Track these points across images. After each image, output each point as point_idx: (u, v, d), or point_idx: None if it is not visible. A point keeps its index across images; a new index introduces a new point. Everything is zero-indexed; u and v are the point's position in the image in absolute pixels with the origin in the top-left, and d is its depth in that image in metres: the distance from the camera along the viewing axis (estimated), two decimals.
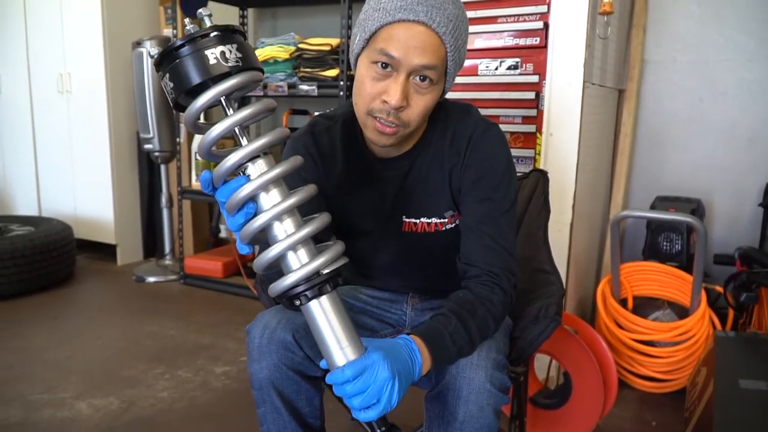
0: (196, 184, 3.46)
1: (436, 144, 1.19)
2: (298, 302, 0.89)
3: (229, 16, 3.70)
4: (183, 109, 0.87)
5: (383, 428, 0.93)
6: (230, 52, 0.82)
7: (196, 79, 0.82)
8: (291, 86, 3.09)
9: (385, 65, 1.03)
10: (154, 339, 2.71)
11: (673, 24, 2.63)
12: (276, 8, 3.77)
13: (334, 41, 2.95)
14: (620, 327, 2.30)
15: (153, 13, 3.85)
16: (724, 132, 2.59)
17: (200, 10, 0.85)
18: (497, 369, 1.07)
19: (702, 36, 2.59)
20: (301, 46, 3.06)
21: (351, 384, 0.88)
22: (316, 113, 3.10)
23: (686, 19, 2.60)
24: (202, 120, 0.91)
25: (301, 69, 3.08)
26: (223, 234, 4.08)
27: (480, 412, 1.04)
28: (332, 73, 2.98)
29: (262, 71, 0.88)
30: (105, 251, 3.99)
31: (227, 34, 0.84)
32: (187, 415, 2.06)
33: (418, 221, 1.23)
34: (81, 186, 3.92)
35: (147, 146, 3.57)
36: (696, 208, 2.44)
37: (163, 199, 3.73)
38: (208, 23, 0.85)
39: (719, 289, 2.31)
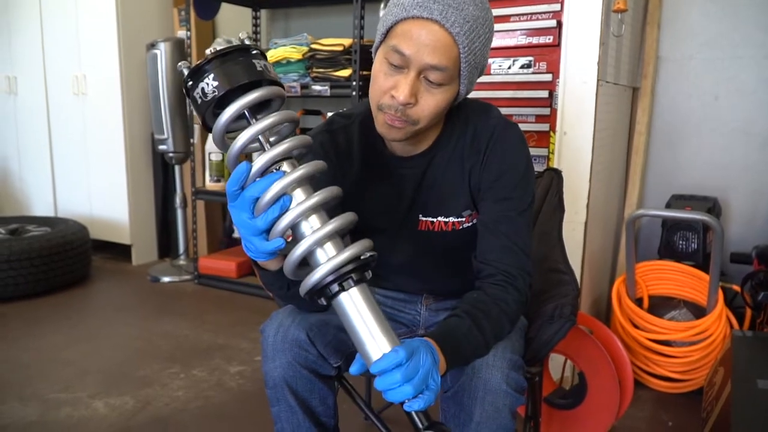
0: (210, 185, 3.48)
1: (455, 143, 1.19)
2: (329, 293, 0.89)
3: (242, 17, 3.72)
4: (209, 127, 0.91)
5: (425, 424, 0.87)
6: (207, 85, 0.87)
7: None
8: (304, 86, 3.09)
9: (397, 61, 1.03)
10: (169, 339, 2.72)
11: (688, 21, 2.60)
12: (289, 9, 3.78)
13: (347, 41, 2.96)
14: (636, 327, 2.28)
15: (167, 14, 3.88)
16: (741, 130, 2.56)
17: (240, 34, 0.94)
18: (513, 369, 1.06)
19: (717, 33, 2.56)
20: (313, 46, 3.06)
21: (404, 367, 0.85)
22: (329, 113, 3.12)
23: (701, 16, 2.58)
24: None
25: (314, 69, 3.08)
26: (236, 234, 4.09)
27: (496, 412, 1.03)
28: (345, 73, 2.98)
29: (246, 80, 0.90)
30: (120, 251, 4.02)
31: (201, 68, 0.87)
32: (202, 415, 2.07)
33: (435, 220, 1.22)
34: (96, 187, 3.96)
35: (161, 147, 3.60)
36: (712, 206, 2.42)
37: (177, 200, 3.76)
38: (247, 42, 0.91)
39: (736, 288, 2.28)
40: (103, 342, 2.70)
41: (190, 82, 0.87)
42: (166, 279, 3.63)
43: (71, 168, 4.06)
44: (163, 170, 3.94)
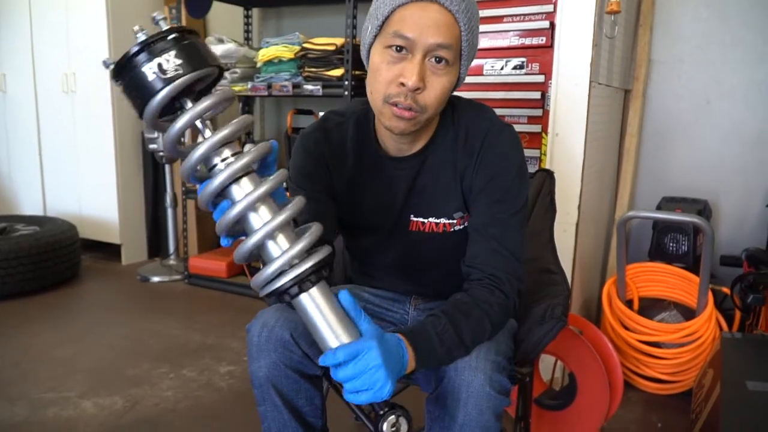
0: None
1: (449, 143, 1.19)
2: (287, 297, 0.89)
3: (234, 16, 3.71)
4: (142, 110, 0.85)
5: (385, 409, 0.93)
6: (167, 62, 0.80)
7: (140, 104, 0.82)
8: (296, 86, 3.09)
9: (399, 48, 1.03)
10: (159, 338, 2.71)
11: (680, 24, 2.61)
12: (280, 8, 3.77)
13: (339, 41, 2.95)
14: (626, 328, 2.29)
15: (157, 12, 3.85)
16: (732, 132, 2.58)
17: (154, 15, 0.85)
18: (497, 371, 1.05)
19: (709, 36, 2.57)
20: (305, 45, 3.06)
21: (342, 368, 0.88)
22: (321, 112, 3.11)
23: (693, 19, 2.59)
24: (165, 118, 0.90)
25: (306, 69, 3.07)
26: None
27: (479, 415, 1.03)
28: (337, 72, 2.98)
29: (210, 64, 0.85)
30: (109, 251, 3.99)
31: (159, 43, 0.81)
32: (191, 415, 2.06)
33: (426, 221, 1.22)
34: (86, 186, 3.93)
35: (151, 146, 3.57)
36: (703, 208, 2.43)
37: (168, 199, 3.73)
38: (163, 26, 0.84)
39: (726, 290, 2.30)
40: (92, 342, 2.68)
41: (141, 56, 0.81)
42: (155, 279, 3.61)
43: (60, 167, 4.03)
44: (153, 169, 3.91)
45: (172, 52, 0.81)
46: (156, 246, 4.08)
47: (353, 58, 2.88)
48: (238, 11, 3.71)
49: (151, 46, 0.81)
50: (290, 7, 3.72)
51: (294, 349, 1.15)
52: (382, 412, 0.93)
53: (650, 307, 2.32)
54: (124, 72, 0.82)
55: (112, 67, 0.83)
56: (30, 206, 4.24)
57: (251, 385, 1.19)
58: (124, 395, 2.17)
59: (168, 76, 0.80)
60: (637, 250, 2.69)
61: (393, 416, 0.93)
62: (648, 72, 2.67)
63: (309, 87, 3.05)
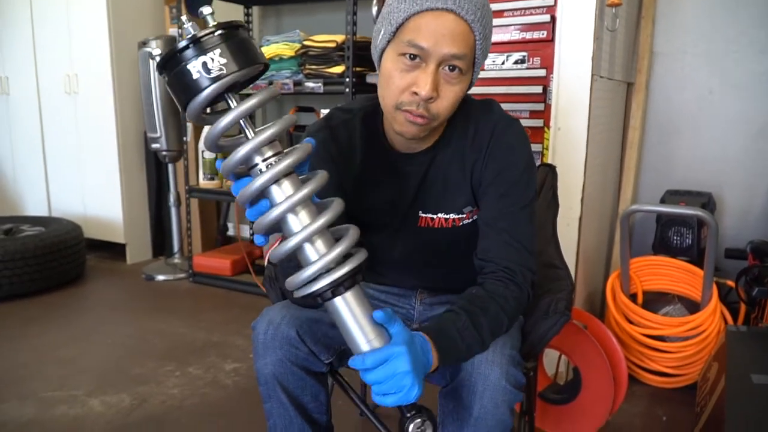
0: (203, 183, 3.47)
1: (457, 139, 1.19)
2: (320, 300, 0.89)
3: (234, 14, 3.71)
4: (186, 106, 0.85)
5: (412, 412, 0.93)
6: (212, 60, 0.80)
7: (184, 100, 0.82)
8: (297, 83, 3.09)
9: (413, 57, 1.02)
10: (164, 337, 2.72)
11: (682, 15, 2.60)
12: (280, 6, 3.77)
13: (340, 38, 2.95)
14: (630, 322, 2.29)
15: (158, 12, 3.86)
16: (736, 125, 2.57)
17: (202, 9, 0.84)
18: (512, 365, 1.06)
19: (711, 27, 2.56)
20: (306, 43, 3.05)
21: (371, 372, 0.88)
22: (323, 110, 3.11)
23: (695, 11, 2.58)
24: (209, 111, 0.90)
25: (307, 66, 3.07)
26: (231, 232, 4.09)
27: (495, 408, 1.03)
28: (338, 69, 2.98)
29: (254, 62, 0.85)
30: (114, 250, 4.01)
31: (205, 40, 0.81)
32: (197, 412, 2.07)
33: (435, 216, 1.22)
34: (90, 186, 3.94)
35: (154, 145, 3.58)
36: (707, 201, 2.42)
37: (171, 198, 3.74)
38: (211, 22, 0.83)
39: (731, 283, 2.29)
40: (98, 340, 2.69)
41: (187, 53, 0.81)
42: (160, 277, 3.62)
43: (64, 167, 4.04)
44: (156, 169, 3.92)
45: (218, 51, 0.80)
46: (160, 245, 4.09)
47: (354, 55, 2.88)
48: (239, 9, 3.71)
49: (198, 43, 0.80)
50: (290, 4, 3.72)
51: (300, 346, 1.16)
52: (408, 415, 0.93)
53: (654, 301, 2.32)
54: (169, 67, 0.82)
55: (158, 60, 0.83)
56: (35, 207, 4.25)
57: (257, 382, 1.20)
58: (131, 393, 2.18)
59: (213, 75, 0.80)
60: (641, 244, 2.68)
61: (419, 419, 0.93)
62: (650, 64, 2.66)
63: (310, 84, 3.05)
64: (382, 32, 1.07)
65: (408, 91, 1.04)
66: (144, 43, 3.45)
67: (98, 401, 2.13)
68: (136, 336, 2.74)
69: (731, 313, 2.26)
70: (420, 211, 1.23)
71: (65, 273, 3.41)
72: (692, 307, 2.26)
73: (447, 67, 1.03)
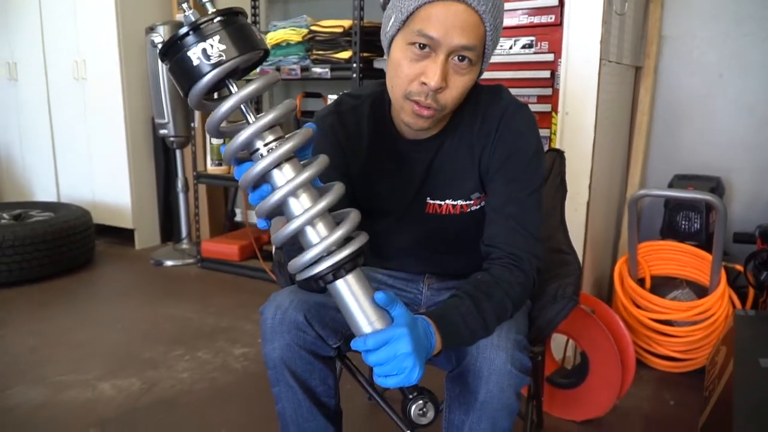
0: (211, 169, 3.48)
1: (465, 126, 1.18)
2: (322, 283, 0.90)
3: None
4: (187, 93, 0.86)
5: (414, 393, 0.95)
6: (212, 47, 0.81)
7: (185, 87, 0.83)
8: (304, 69, 3.08)
9: (423, 46, 1.02)
10: (173, 321, 2.74)
11: None
12: None
13: (347, 23, 2.93)
14: (638, 306, 2.29)
15: None
16: (745, 108, 2.54)
17: None
18: (518, 350, 1.06)
19: (722, 10, 2.53)
20: (313, 28, 3.04)
21: (373, 353, 0.89)
22: (330, 95, 3.10)
23: None
24: (214, 96, 0.91)
25: (314, 52, 3.06)
26: (238, 218, 4.10)
27: (501, 393, 1.04)
28: (345, 55, 2.97)
29: (254, 47, 0.85)
30: (123, 236, 4.03)
31: (205, 27, 0.81)
32: (207, 396, 2.09)
33: (443, 203, 1.22)
34: (98, 172, 3.96)
35: (162, 131, 3.59)
36: (715, 186, 2.41)
37: (179, 184, 3.76)
38: (210, 9, 0.84)
39: (739, 267, 2.28)
40: (108, 325, 2.71)
41: (187, 39, 0.81)
42: (169, 263, 3.64)
43: (73, 153, 4.06)
44: (164, 154, 3.93)
45: (217, 37, 0.81)
46: (168, 230, 4.11)
47: (361, 41, 2.87)
48: None
49: (197, 30, 0.81)
50: None
51: (307, 330, 1.17)
52: (410, 396, 0.95)
53: (662, 286, 2.32)
54: (170, 54, 0.83)
55: (159, 47, 0.84)
56: (44, 193, 4.28)
57: (265, 367, 1.21)
58: (141, 377, 2.21)
59: (213, 61, 0.81)
60: (649, 229, 2.67)
61: (421, 401, 0.94)
62: (659, 48, 2.64)
63: (317, 70, 3.04)
64: (392, 20, 1.07)
65: (417, 80, 1.04)
66: (151, 29, 3.45)
67: (109, 385, 2.15)
68: (145, 320, 2.77)
69: (739, 297, 2.26)
70: (428, 198, 1.23)
71: (74, 258, 3.44)
72: (700, 291, 2.25)
73: (456, 58, 1.03)
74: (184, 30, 0.81)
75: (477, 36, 1.02)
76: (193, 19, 0.81)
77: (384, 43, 1.13)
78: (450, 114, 1.18)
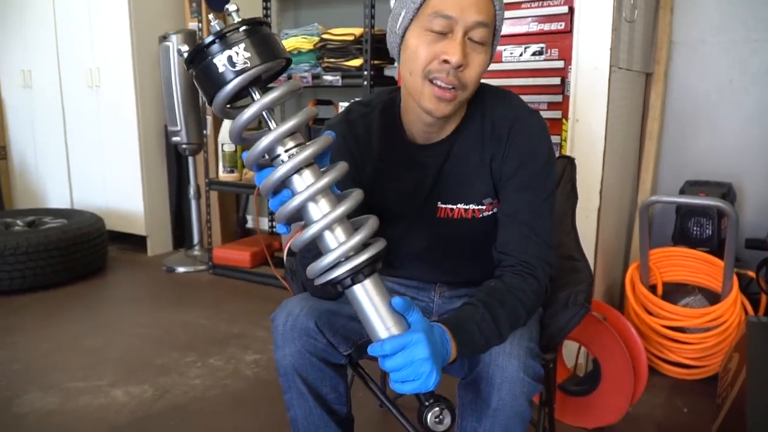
0: (223, 176, 3.50)
1: (475, 129, 1.19)
2: (340, 288, 0.91)
3: (252, 7, 3.72)
4: (212, 100, 0.89)
5: (430, 400, 0.94)
6: (237, 54, 0.83)
7: (210, 93, 0.85)
8: (315, 77, 3.10)
9: (439, 30, 1.05)
10: (186, 328, 2.76)
11: (701, 4, 2.57)
12: None
13: (358, 31, 2.95)
14: (650, 313, 2.28)
15: (179, 6, 3.88)
16: (756, 114, 2.53)
17: (227, 6, 0.87)
18: (531, 357, 1.06)
19: (731, 16, 2.53)
20: (324, 36, 3.06)
21: (390, 359, 0.89)
22: (341, 103, 3.11)
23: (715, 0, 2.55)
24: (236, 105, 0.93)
25: (325, 59, 3.08)
26: (250, 224, 4.12)
27: (513, 400, 1.04)
28: (356, 62, 2.98)
29: (277, 56, 0.88)
30: (135, 242, 4.06)
31: (230, 36, 0.84)
32: (219, 403, 2.10)
33: (455, 207, 1.23)
34: (111, 179, 3.99)
35: (175, 139, 3.62)
36: (727, 192, 2.40)
37: (191, 191, 3.78)
38: (236, 18, 0.86)
39: (751, 274, 2.27)
40: (121, 331, 2.73)
41: (212, 47, 0.84)
42: (181, 269, 3.66)
43: (86, 160, 4.10)
44: (176, 161, 3.97)
45: (242, 45, 0.83)
46: (180, 237, 4.14)
47: (372, 48, 2.88)
48: (257, 3, 3.71)
49: (223, 38, 0.84)
50: None
51: (318, 338, 1.17)
52: (427, 403, 0.94)
53: (674, 292, 2.31)
54: (196, 61, 0.85)
55: (186, 55, 0.86)
56: (57, 199, 4.32)
57: (277, 374, 1.22)
58: (154, 384, 2.22)
59: (237, 68, 0.83)
60: (661, 235, 2.66)
61: (437, 408, 0.94)
62: (669, 54, 2.64)
63: (328, 77, 3.06)
64: (402, 14, 1.09)
65: (437, 60, 1.06)
66: (164, 38, 3.48)
67: (121, 391, 2.17)
68: (158, 327, 2.78)
69: (752, 303, 2.24)
70: (439, 202, 1.24)
71: (88, 264, 3.47)
72: (712, 298, 2.24)
73: (472, 36, 1.06)
74: (210, 38, 0.84)
75: (489, 14, 1.06)
76: (219, 29, 0.84)
77: (394, 43, 1.14)
78: (459, 116, 1.19)
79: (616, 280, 2.58)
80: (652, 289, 2.32)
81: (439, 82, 1.06)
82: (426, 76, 1.07)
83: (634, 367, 1.81)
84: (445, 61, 1.04)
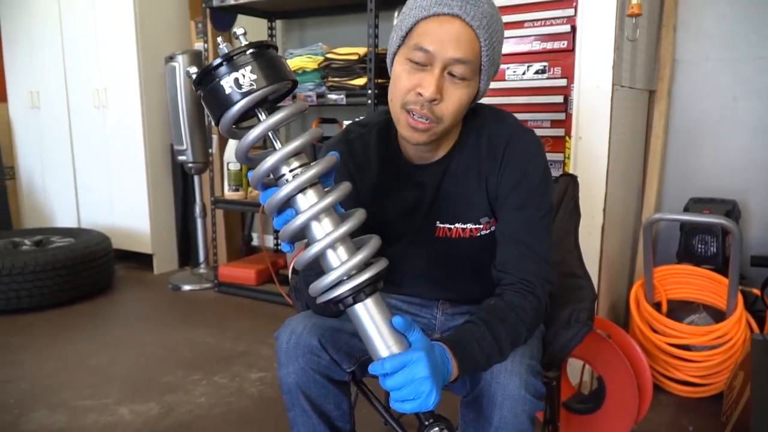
0: (228, 194, 3.52)
1: (471, 149, 1.20)
2: (342, 306, 0.92)
3: (258, 28, 3.77)
4: (218, 121, 0.91)
5: (430, 420, 0.94)
6: (243, 77, 0.85)
7: (217, 114, 0.88)
8: (320, 96, 3.13)
9: (420, 60, 1.06)
10: (191, 346, 2.76)
11: (703, 22, 2.59)
12: (303, 19, 3.82)
13: (362, 50, 2.98)
14: (654, 331, 2.27)
15: (184, 27, 3.94)
16: (759, 131, 2.54)
17: (235, 29, 0.89)
18: (532, 375, 1.07)
19: (734, 33, 2.55)
20: (328, 56, 3.10)
21: (390, 377, 0.90)
22: (346, 121, 3.14)
23: (717, 17, 2.56)
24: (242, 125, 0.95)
25: (330, 78, 3.11)
26: (255, 242, 4.14)
27: (515, 418, 1.04)
28: (360, 81, 3.01)
29: (283, 78, 0.90)
30: (142, 261, 4.08)
31: (237, 58, 0.86)
32: (224, 420, 2.10)
33: (453, 227, 1.24)
34: (118, 198, 4.03)
35: (181, 158, 3.65)
36: (731, 209, 2.40)
37: (197, 209, 3.81)
38: (243, 41, 0.88)
39: (756, 291, 2.27)
40: (127, 350, 2.74)
41: (220, 69, 0.86)
42: (186, 287, 3.67)
43: (93, 180, 4.13)
44: (182, 180, 4.00)
45: (249, 67, 0.86)
46: (186, 255, 4.15)
47: (376, 67, 2.91)
48: (262, 23, 3.77)
49: (230, 61, 0.86)
50: (313, 18, 3.77)
51: (322, 355, 1.18)
52: (427, 423, 0.95)
53: (679, 310, 2.30)
54: (204, 83, 0.88)
55: (194, 77, 0.88)
56: (65, 219, 4.35)
57: (281, 391, 1.22)
58: (159, 402, 2.23)
59: (243, 90, 0.85)
60: (665, 252, 2.66)
61: (437, 427, 0.94)
62: (672, 72, 2.65)
63: (333, 96, 3.08)
64: (394, 39, 1.12)
65: (413, 91, 1.07)
66: (171, 58, 3.52)
67: (127, 410, 2.17)
68: (163, 345, 2.79)
69: (757, 321, 2.23)
70: (437, 222, 1.25)
71: (94, 283, 3.49)
72: (717, 315, 2.24)
73: (452, 71, 1.06)
74: (217, 61, 0.86)
75: (472, 51, 1.06)
76: (227, 51, 0.86)
77: (389, 64, 1.16)
78: (454, 136, 1.20)
79: (621, 298, 2.58)
80: (657, 306, 2.32)
81: (414, 114, 1.08)
82: (403, 105, 1.09)
83: (639, 385, 1.80)
84: (420, 94, 1.06)
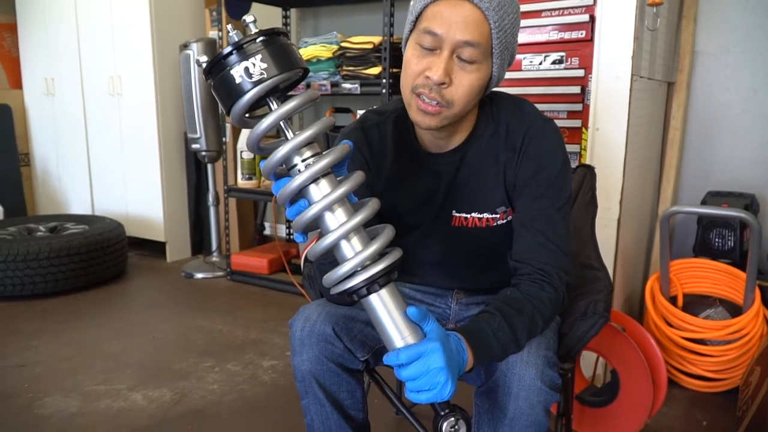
0: (241, 183, 3.53)
1: (489, 138, 1.19)
2: (356, 297, 0.91)
3: (272, 16, 3.76)
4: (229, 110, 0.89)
5: (446, 410, 0.94)
6: (254, 65, 0.84)
7: (228, 104, 0.86)
8: (334, 85, 3.12)
9: (429, 45, 1.05)
10: (204, 333, 2.77)
11: (725, 13, 2.55)
12: (318, 8, 3.80)
13: (377, 39, 2.97)
14: (670, 325, 2.25)
15: (199, 15, 3.93)
16: None
17: (244, 17, 0.88)
18: (548, 366, 1.06)
19: (755, 25, 2.50)
20: (343, 44, 3.08)
21: (405, 368, 0.89)
22: (360, 111, 3.13)
23: (738, 8, 2.52)
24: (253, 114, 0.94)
25: (344, 67, 3.10)
26: (268, 231, 4.14)
27: (530, 409, 1.04)
28: (375, 71, 3.00)
29: (294, 66, 0.88)
30: (155, 248, 4.10)
31: (247, 47, 0.84)
32: (236, 408, 2.11)
33: (469, 216, 1.23)
34: (132, 185, 4.04)
35: (194, 146, 3.66)
36: (750, 203, 2.37)
37: (210, 198, 3.81)
38: (253, 29, 0.87)
39: None
40: (140, 336, 2.76)
41: (230, 58, 0.84)
42: (199, 275, 3.69)
43: (107, 167, 4.15)
44: (196, 169, 4.00)
45: (259, 56, 0.84)
46: (199, 243, 4.17)
47: (391, 56, 2.90)
48: (277, 12, 3.76)
49: (240, 50, 0.84)
50: (328, 6, 3.75)
51: (336, 343, 1.18)
52: (442, 413, 0.94)
53: (695, 304, 2.28)
54: (214, 72, 0.86)
55: (204, 66, 0.87)
56: (79, 206, 4.38)
57: (294, 379, 1.22)
58: (172, 388, 2.24)
59: (254, 79, 0.84)
60: (682, 246, 2.64)
61: (453, 418, 0.93)
62: (692, 63, 2.62)
63: (347, 85, 3.07)
64: (407, 25, 1.11)
65: (422, 74, 1.06)
66: (185, 46, 3.52)
67: (140, 395, 2.19)
68: (176, 332, 2.80)
69: None
70: (453, 211, 1.24)
71: (108, 270, 3.51)
72: (734, 310, 2.21)
73: (461, 55, 1.05)
74: (228, 49, 0.84)
75: (481, 33, 1.04)
76: (237, 39, 0.84)
77: (403, 48, 1.15)
78: (469, 123, 1.18)
79: (636, 291, 2.56)
80: (673, 300, 2.29)
81: (423, 97, 1.07)
82: (413, 89, 1.08)
83: (654, 379, 1.79)
84: (428, 77, 1.05)
